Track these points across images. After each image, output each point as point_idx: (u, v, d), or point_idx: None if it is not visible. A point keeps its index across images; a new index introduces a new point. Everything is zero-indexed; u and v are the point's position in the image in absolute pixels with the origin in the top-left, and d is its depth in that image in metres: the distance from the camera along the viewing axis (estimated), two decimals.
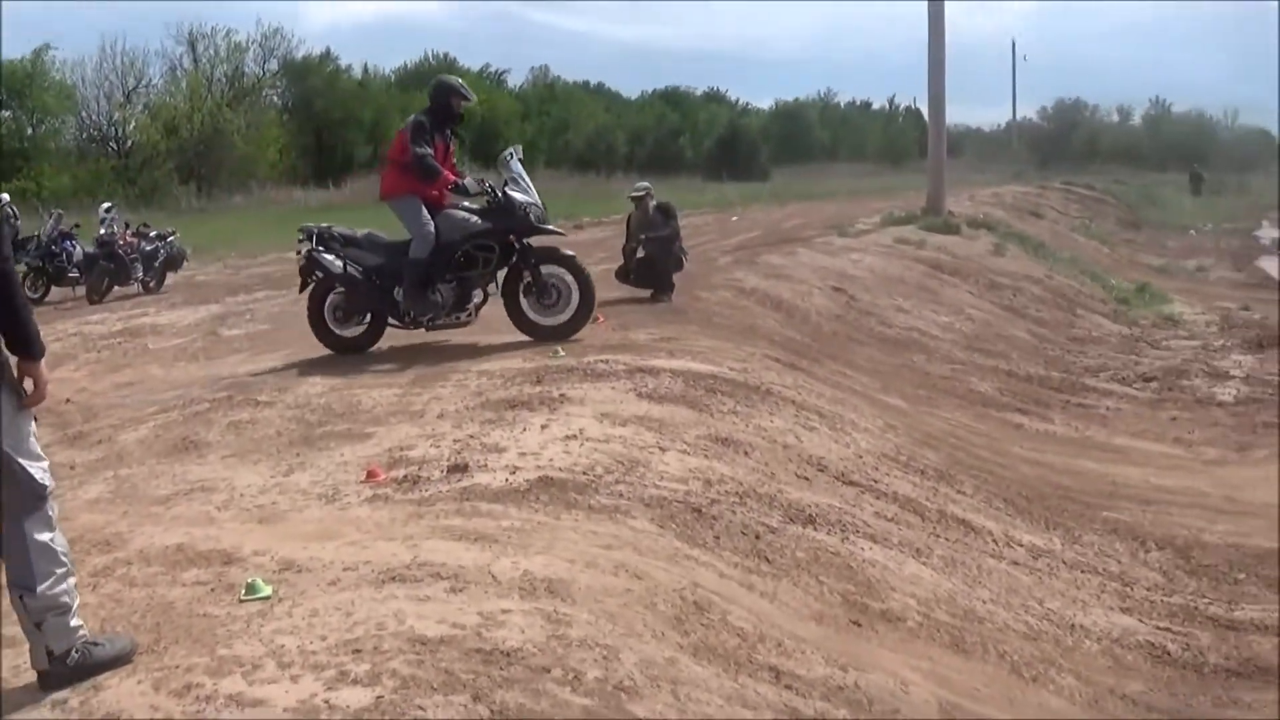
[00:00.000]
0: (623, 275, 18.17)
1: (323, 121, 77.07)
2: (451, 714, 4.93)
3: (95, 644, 5.54)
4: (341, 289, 14.07)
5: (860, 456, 10.95)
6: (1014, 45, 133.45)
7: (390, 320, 14.20)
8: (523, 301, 13.96)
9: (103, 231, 24.21)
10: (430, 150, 13.74)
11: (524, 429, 9.72)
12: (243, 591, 6.38)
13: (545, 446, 9.22)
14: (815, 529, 8.65)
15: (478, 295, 14.16)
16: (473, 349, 13.52)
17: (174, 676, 5.32)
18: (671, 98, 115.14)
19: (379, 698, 5.02)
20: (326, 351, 14.08)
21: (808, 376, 13.41)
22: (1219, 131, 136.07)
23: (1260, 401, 17.11)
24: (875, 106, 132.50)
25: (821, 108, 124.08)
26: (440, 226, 13.77)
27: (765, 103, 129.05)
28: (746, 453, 9.92)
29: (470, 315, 14.19)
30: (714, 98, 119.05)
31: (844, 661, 6.63)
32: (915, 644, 7.51)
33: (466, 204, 14.07)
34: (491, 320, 14.34)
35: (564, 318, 13.94)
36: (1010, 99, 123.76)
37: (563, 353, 12.69)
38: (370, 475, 8.74)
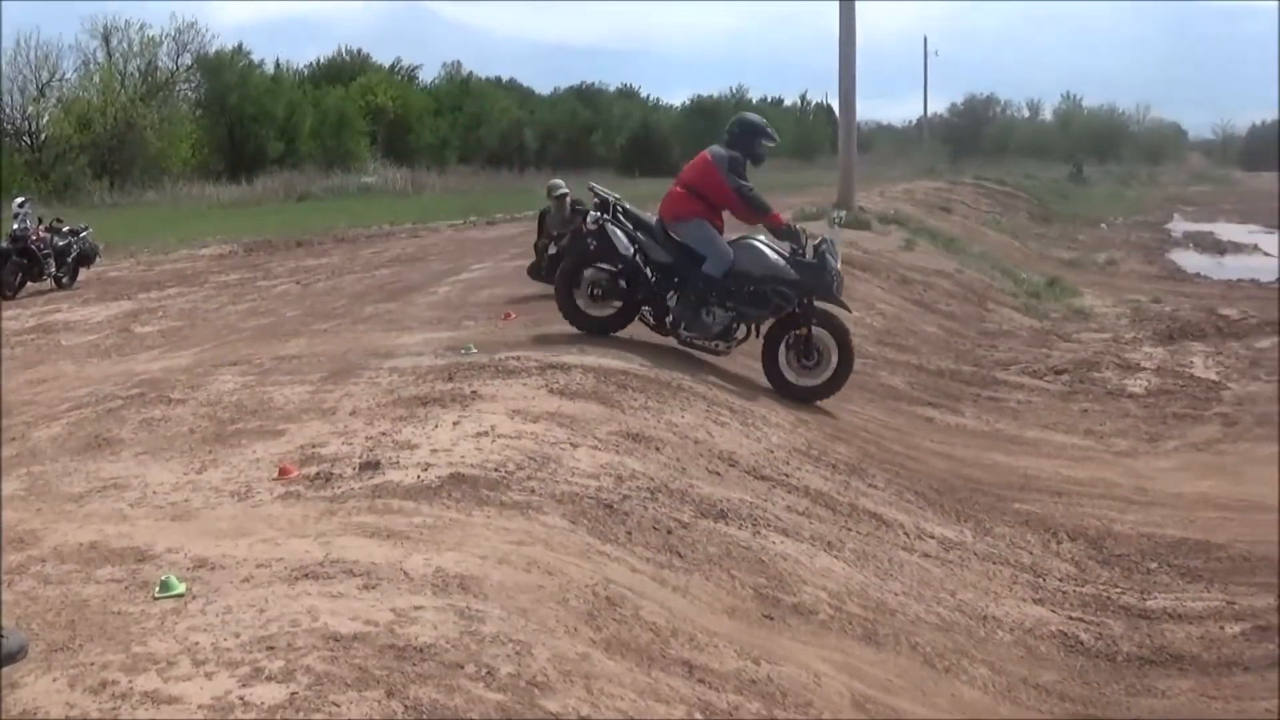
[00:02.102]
0: (534, 272, 17.98)
1: (235, 117, 76.87)
2: (365, 710, 4.96)
3: (2, 635, 5.55)
4: (608, 267, 13.71)
5: (771, 451, 11.01)
6: (925, 41, 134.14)
7: (646, 316, 13.88)
8: (782, 354, 13.72)
9: (16, 226, 24.03)
10: (751, 184, 13.62)
11: (436, 426, 9.72)
12: (156, 589, 6.37)
13: (457, 443, 9.23)
14: (727, 524, 8.71)
15: (742, 331, 13.83)
16: (384, 347, 13.46)
17: (89, 673, 5.33)
18: (584, 94, 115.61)
19: (293, 694, 5.04)
20: (239, 348, 14.00)
21: (718, 372, 13.46)
22: (1130, 125, 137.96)
23: (1170, 393, 17.32)
24: (787, 103, 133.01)
25: (734, 104, 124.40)
26: (740, 255, 13.58)
27: (678, 99, 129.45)
28: (658, 448, 9.96)
29: (729, 347, 13.86)
30: (626, 94, 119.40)
31: (756, 655, 6.70)
32: (827, 637, 7.59)
33: (763, 239, 13.81)
34: (401, 317, 14.30)
35: (818, 381, 13.75)
36: (922, 95, 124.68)
37: (474, 349, 12.64)
38: (283, 473, 8.72)
